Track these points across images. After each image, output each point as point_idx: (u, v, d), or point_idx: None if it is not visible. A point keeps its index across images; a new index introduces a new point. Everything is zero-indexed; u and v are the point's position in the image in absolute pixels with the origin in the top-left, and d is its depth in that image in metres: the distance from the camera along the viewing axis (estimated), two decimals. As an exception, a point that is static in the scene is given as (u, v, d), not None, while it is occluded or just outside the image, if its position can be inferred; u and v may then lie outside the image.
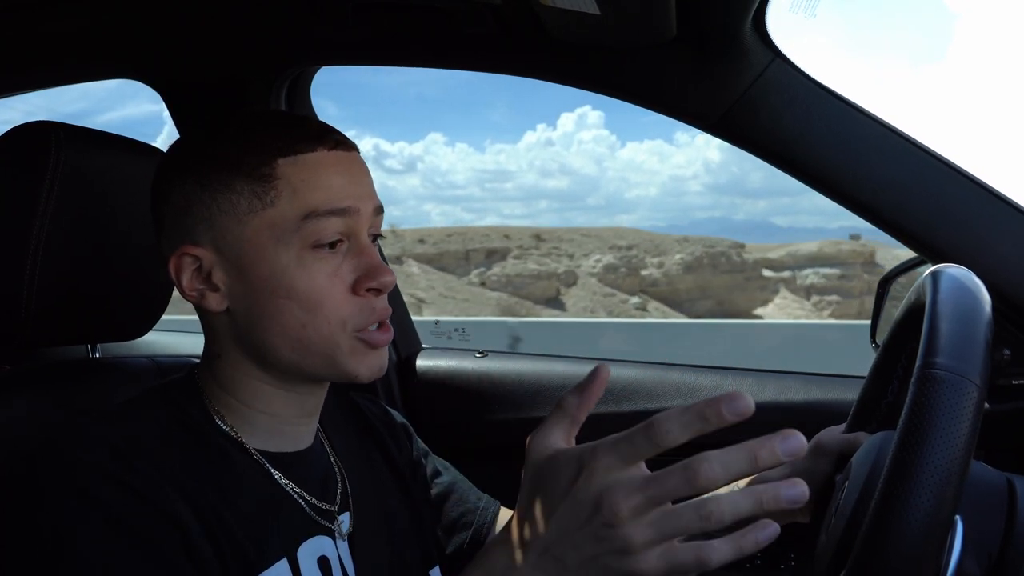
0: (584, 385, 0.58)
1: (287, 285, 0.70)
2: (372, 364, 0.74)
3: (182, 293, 0.74)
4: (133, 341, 0.97)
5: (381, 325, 0.75)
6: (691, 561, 0.50)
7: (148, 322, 0.95)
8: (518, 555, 0.55)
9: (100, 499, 0.62)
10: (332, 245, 0.72)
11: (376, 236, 0.77)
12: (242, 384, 0.74)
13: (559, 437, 0.57)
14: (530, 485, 0.56)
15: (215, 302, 0.72)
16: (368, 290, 0.73)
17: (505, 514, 0.97)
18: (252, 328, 0.72)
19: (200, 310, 0.75)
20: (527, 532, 0.55)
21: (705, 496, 0.51)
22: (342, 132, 0.76)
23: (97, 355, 0.98)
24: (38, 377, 0.87)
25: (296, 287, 0.70)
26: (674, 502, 0.50)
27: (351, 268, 0.73)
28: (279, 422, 0.76)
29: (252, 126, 0.73)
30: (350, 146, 0.75)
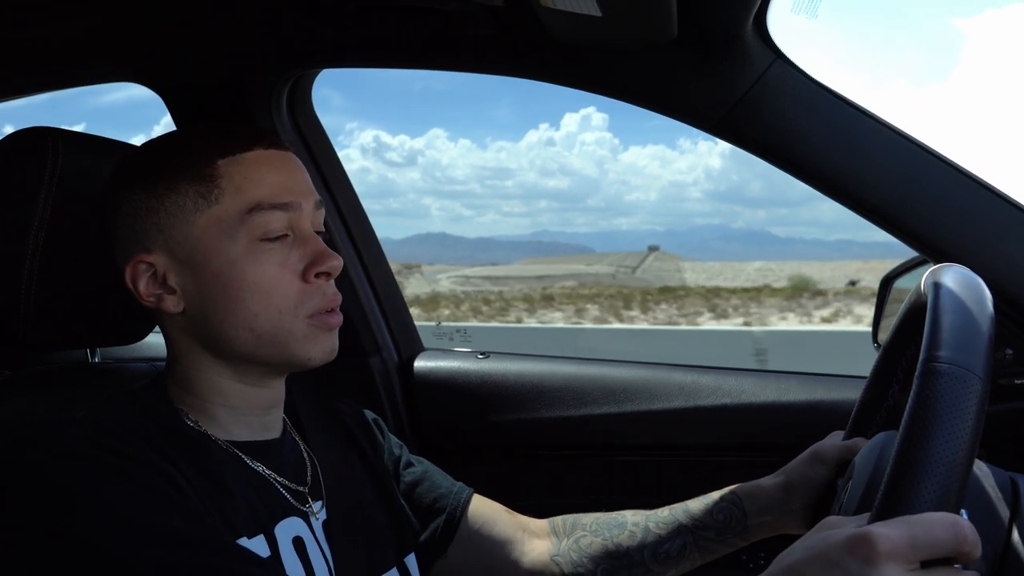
0: None
1: (239, 276, 0.74)
2: (325, 347, 0.78)
3: (139, 300, 0.76)
4: (132, 345, 0.97)
5: (331, 311, 0.78)
6: None
7: (147, 326, 0.94)
8: None
9: (89, 457, 0.65)
10: (277, 239, 0.75)
11: (319, 233, 0.79)
12: (202, 381, 0.78)
13: None
14: None
15: (172, 304, 0.76)
16: (318, 275, 0.76)
17: (479, 501, 0.98)
18: (208, 324, 0.75)
19: (158, 315, 0.78)
20: None
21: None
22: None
23: (96, 359, 0.98)
24: (37, 381, 0.87)
25: (247, 277, 0.74)
26: None
27: (299, 257, 0.76)
28: (240, 414, 0.79)
29: (190, 133, 0.78)
30: (283, 146, 0.79)
